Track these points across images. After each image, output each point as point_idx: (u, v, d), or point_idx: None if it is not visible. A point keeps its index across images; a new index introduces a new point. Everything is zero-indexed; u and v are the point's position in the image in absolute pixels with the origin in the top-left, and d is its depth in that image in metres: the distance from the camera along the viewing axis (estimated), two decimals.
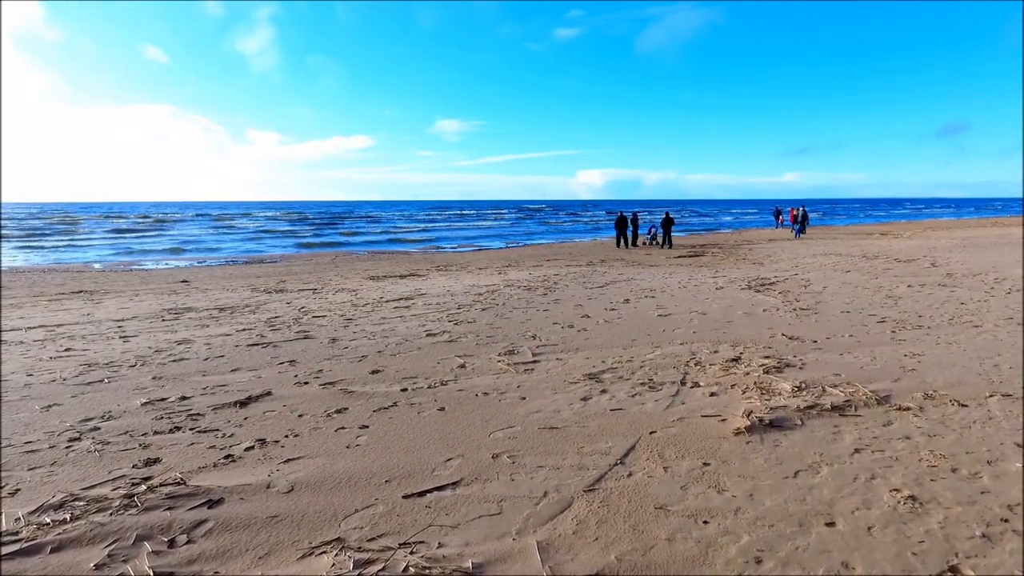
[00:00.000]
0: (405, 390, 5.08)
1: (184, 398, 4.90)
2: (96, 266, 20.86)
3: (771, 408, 4.43)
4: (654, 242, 24.77)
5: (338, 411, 4.56)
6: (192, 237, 37.29)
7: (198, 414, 4.53)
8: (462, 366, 5.81)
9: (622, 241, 24.25)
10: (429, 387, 5.16)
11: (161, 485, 3.33)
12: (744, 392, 4.86)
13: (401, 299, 10.26)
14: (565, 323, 7.87)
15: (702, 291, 10.59)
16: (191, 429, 4.22)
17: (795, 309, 8.56)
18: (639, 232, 25.19)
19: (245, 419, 4.42)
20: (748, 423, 4.13)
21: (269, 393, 5.00)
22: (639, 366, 5.71)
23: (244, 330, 7.70)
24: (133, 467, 3.61)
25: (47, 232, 41.11)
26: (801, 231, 30.14)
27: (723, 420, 4.26)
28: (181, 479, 3.41)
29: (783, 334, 6.94)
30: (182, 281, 14.85)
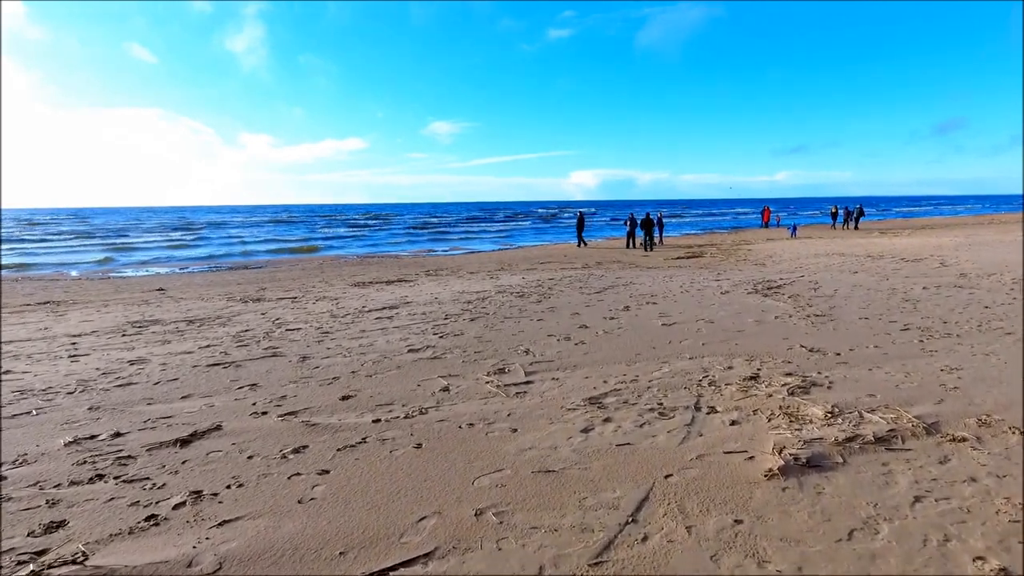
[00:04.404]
0: (377, 421, 4.39)
1: (117, 435, 4.19)
2: (73, 274, 20.03)
3: (805, 442, 3.76)
4: (650, 244, 24.15)
5: (295, 451, 3.86)
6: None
7: (129, 456, 3.82)
8: (445, 389, 5.12)
9: (582, 242, 25.52)
10: (406, 417, 4.47)
11: (51, 567, 2.62)
12: (769, 419, 4.20)
13: (384, 308, 9.56)
14: (561, 335, 7.19)
15: (706, 296, 9.94)
16: (115, 478, 3.52)
17: (809, 316, 7.92)
18: (635, 234, 24.58)
19: (183, 463, 3.71)
20: (781, 462, 3.47)
21: (218, 427, 4.30)
22: (645, 387, 5.04)
23: (207, 346, 6.99)
24: (29, 535, 2.90)
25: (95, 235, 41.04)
26: (856, 227, 34.13)
27: (750, 458, 3.59)
28: (82, 554, 2.70)
29: (801, 345, 6.29)
30: (158, 290, 14.09)
